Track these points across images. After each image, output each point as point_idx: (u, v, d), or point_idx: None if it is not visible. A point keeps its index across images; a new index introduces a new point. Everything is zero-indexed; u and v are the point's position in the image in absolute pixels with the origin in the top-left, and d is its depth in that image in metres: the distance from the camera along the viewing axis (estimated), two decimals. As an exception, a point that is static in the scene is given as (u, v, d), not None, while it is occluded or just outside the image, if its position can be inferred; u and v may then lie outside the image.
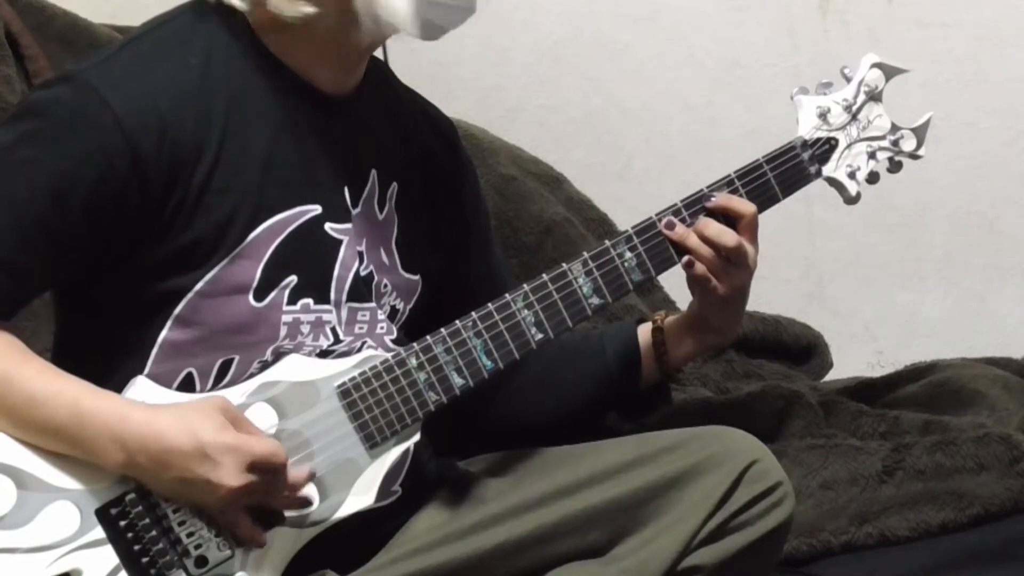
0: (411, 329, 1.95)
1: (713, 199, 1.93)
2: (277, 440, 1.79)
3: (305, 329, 1.86)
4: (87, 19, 2.71)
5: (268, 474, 1.75)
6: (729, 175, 1.95)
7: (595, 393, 2.07)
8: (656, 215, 1.93)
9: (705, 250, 1.91)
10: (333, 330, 1.88)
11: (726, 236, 1.91)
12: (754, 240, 1.94)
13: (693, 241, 1.92)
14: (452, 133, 2.09)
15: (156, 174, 1.78)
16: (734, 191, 1.94)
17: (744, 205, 1.93)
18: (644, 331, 2.05)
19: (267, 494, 1.77)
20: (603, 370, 2.05)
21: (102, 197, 1.76)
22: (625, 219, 1.95)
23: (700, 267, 1.92)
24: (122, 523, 1.76)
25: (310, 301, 1.86)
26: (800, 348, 2.90)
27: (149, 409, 1.76)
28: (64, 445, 1.75)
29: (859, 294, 3.29)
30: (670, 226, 1.92)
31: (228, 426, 1.75)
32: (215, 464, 1.73)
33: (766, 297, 2.98)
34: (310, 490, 1.81)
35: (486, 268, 2.07)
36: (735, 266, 1.93)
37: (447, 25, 1.85)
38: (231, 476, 1.73)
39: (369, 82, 1.93)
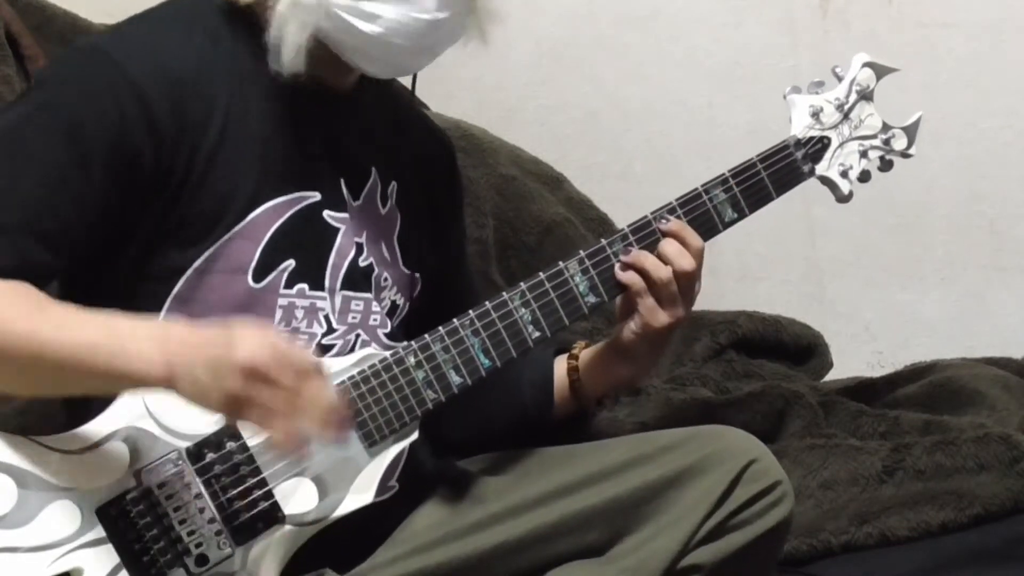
0: (408, 328, 1.95)
1: (666, 223, 1.92)
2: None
3: (299, 314, 1.86)
4: (87, 19, 2.71)
5: (289, 367, 1.65)
6: (723, 174, 1.96)
7: (511, 421, 2.05)
8: (652, 214, 1.93)
9: (662, 271, 1.90)
10: (327, 317, 1.88)
11: (684, 261, 1.90)
12: (699, 275, 1.93)
13: (650, 262, 1.90)
14: (451, 148, 2.10)
15: (168, 138, 1.78)
16: (728, 189, 1.95)
17: (696, 238, 1.92)
18: (561, 362, 2.04)
19: (283, 397, 1.66)
20: (518, 399, 2.04)
21: (120, 157, 1.77)
22: (625, 219, 1.95)
23: (643, 288, 1.90)
24: (123, 522, 1.76)
25: (305, 286, 1.86)
26: (800, 348, 2.90)
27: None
28: (100, 364, 1.68)
29: (859, 294, 3.30)
30: (626, 252, 1.91)
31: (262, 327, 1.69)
32: (238, 337, 1.65)
33: (766, 297, 3.00)
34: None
35: (454, 285, 2.07)
36: (682, 294, 1.91)
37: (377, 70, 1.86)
38: (250, 347, 1.64)
39: (369, 83, 1.94)
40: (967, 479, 2.41)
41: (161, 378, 1.67)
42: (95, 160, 1.76)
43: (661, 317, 1.91)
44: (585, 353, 2.03)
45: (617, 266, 1.91)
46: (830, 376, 2.92)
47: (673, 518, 1.88)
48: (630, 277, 1.91)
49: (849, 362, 3.02)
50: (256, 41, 1.85)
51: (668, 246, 1.91)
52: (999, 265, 3.29)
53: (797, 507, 1.98)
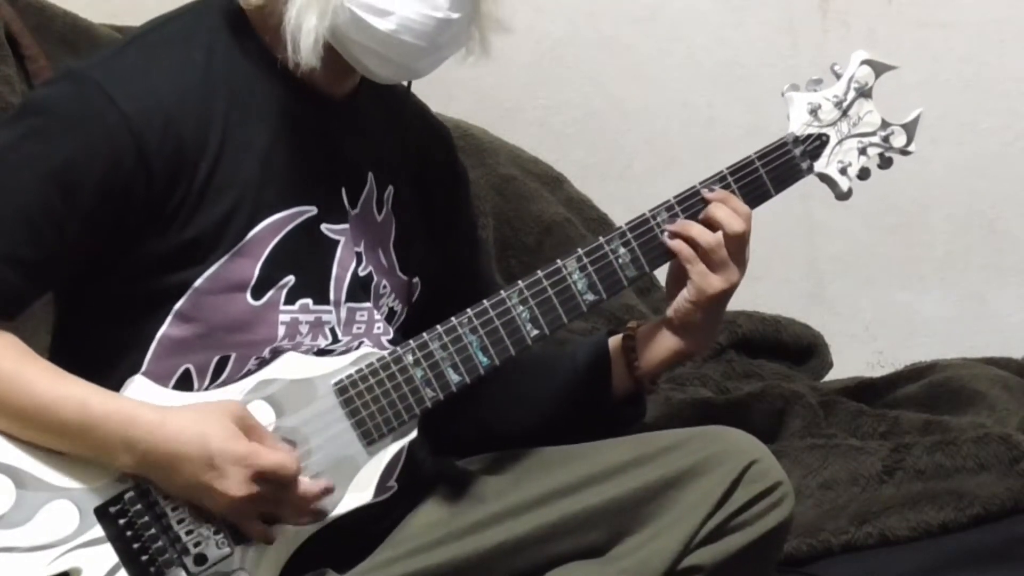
0: (407, 331, 1.95)
1: (714, 193, 1.93)
2: (291, 447, 1.79)
3: (304, 329, 1.86)
4: (87, 19, 2.71)
5: (276, 486, 1.76)
6: (722, 171, 1.95)
7: (566, 401, 2.04)
8: (649, 212, 1.93)
9: (710, 236, 1.91)
10: (332, 330, 1.88)
11: (735, 222, 1.91)
12: (748, 239, 1.94)
13: (696, 229, 1.91)
14: (449, 138, 2.10)
15: (161, 170, 1.78)
16: (726, 187, 1.95)
17: (742, 204, 1.93)
18: (616, 339, 2.04)
19: (275, 505, 1.77)
20: (573, 377, 2.03)
21: (109, 192, 1.77)
22: (625, 219, 1.95)
23: (692, 255, 1.91)
24: (121, 521, 1.76)
25: (309, 301, 1.86)
26: (800, 348, 2.90)
27: (160, 412, 1.76)
28: (71, 446, 1.75)
29: (859, 294, 3.29)
30: (672, 219, 1.92)
31: (240, 435, 1.75)
32: (221, 473, 1.73)
33: (766, 297, 2.99)
34: (323, 504, 1.80)
35: (472, 275, 2.06)
36: (733, 259, 1.92)
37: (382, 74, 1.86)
38: (236, 486, 1.74)
39: (367, 84, 1.93)
40: (967, 479, 2.41)
41: (131, 471, 1.76)
42: (82, 195, 1.76)
43: (714, 282, 1.92)
44: (641, 331, 2.02)
45: (664, 235, 1.92)
46: (830, 376, 2.92)
47: (674, 519, 1.88)
48: (678, 245, 1.92)
49: (849, 362, 3.02)
50: (258, 48, 1.85)
51: (717, 210, 1.92)
52: (999, 265, 3.29)
53: (797, 507, 1.98)
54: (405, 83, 1.97)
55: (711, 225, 1.92)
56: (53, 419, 1.74)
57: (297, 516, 1.79)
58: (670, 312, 1.97)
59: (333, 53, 1.83)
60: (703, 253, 1.92)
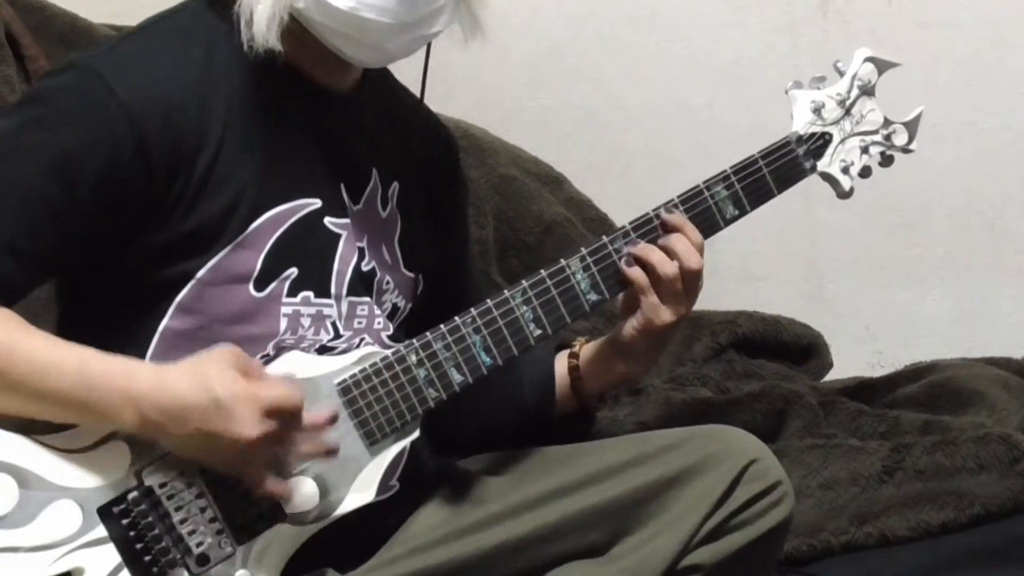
0: (408, 330, 1.95)
1: (668, 216, 1.91)
2: (292, 383, 1.77)
3: (306, 322, 1.86)
4: (87, 19, 2.71)
5: (286, 418, 1.72)
6: (725, 170, 1.95)
7: (512, 419, 2.05)
8: (653, 211, 1.93)
9: (670, 267, 1.90)
10: (333, 324, 1.88)
11: (692, 257, 1.90)
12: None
13: (657, 256, 1.90)
14: (456, 151, 2.10)
15: (161, 161, 1.78)
16: (729, 186, 1.94)
17: (696, 233, 1.91)
18: (562, 358, 2.04)
19: (288, 441, 1.74)
20: (519, 397, 2.03)
21: (109, 183, 1.76)
22: (625, 219, 1.95)
23: (647, 287, 1.90)
24: (124, 521, 1.76)
25: (310, 294, 1.86)
26: (800, 348, 2.90)
27: (157, 367, 1.74)
28: (74, 412, 1.73)
29: (859, 294, 3.30)
30: (633, 243, 1.91)
31: (239, 376, 1.72)
32: (231, 415, 1.69)
33: (766, 297, 3.00)
34: (333, 436, 1.78)
35: (458, 288, 2.06)
36: (686, 292, 1.91)
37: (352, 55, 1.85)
38: (249, 426, 1.70)
39: (368, 83, 1.94)
40: (967, 479, 2.41)
41: (138, 432, 1.73)
42: (83, 186, 1.75)
43: (664, 315, 1.91)
44: (585, 350, 2.02)
45: (623, 261, 1.91)
46: (830, 376, 2.92)
47: (673, 518, 1.88)
48: (635, 273, 1.90)
49: (849, 362, 3.03)
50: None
51: (677, 242, 1.90)
52: (999, 265, 3.29)
53: (797, 507, 1.98)
54: (411, 84, 1.96)
55: (670, 255, 1.90)
56: (53, 384, 1.71)
57: (310, 450, 1.77)
58: (617, 335, 1.96)
59: (317, 44, 1.83)
60: (658, 284, 1.90)
